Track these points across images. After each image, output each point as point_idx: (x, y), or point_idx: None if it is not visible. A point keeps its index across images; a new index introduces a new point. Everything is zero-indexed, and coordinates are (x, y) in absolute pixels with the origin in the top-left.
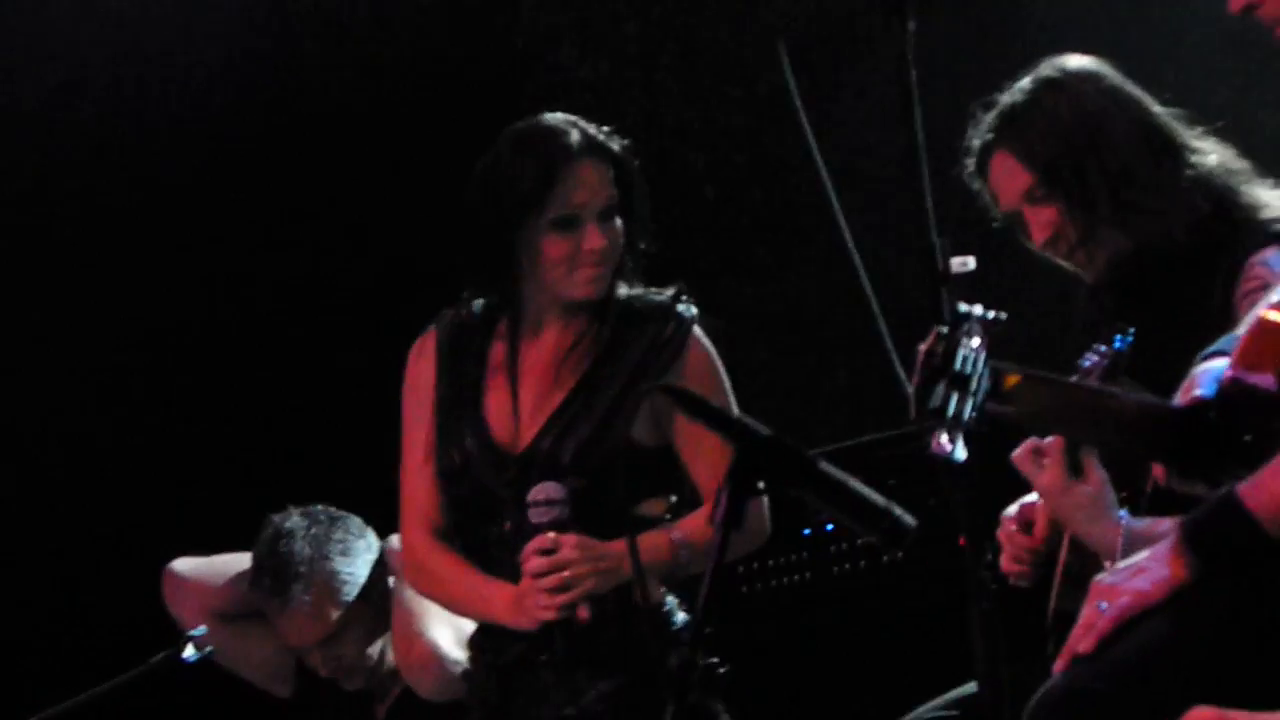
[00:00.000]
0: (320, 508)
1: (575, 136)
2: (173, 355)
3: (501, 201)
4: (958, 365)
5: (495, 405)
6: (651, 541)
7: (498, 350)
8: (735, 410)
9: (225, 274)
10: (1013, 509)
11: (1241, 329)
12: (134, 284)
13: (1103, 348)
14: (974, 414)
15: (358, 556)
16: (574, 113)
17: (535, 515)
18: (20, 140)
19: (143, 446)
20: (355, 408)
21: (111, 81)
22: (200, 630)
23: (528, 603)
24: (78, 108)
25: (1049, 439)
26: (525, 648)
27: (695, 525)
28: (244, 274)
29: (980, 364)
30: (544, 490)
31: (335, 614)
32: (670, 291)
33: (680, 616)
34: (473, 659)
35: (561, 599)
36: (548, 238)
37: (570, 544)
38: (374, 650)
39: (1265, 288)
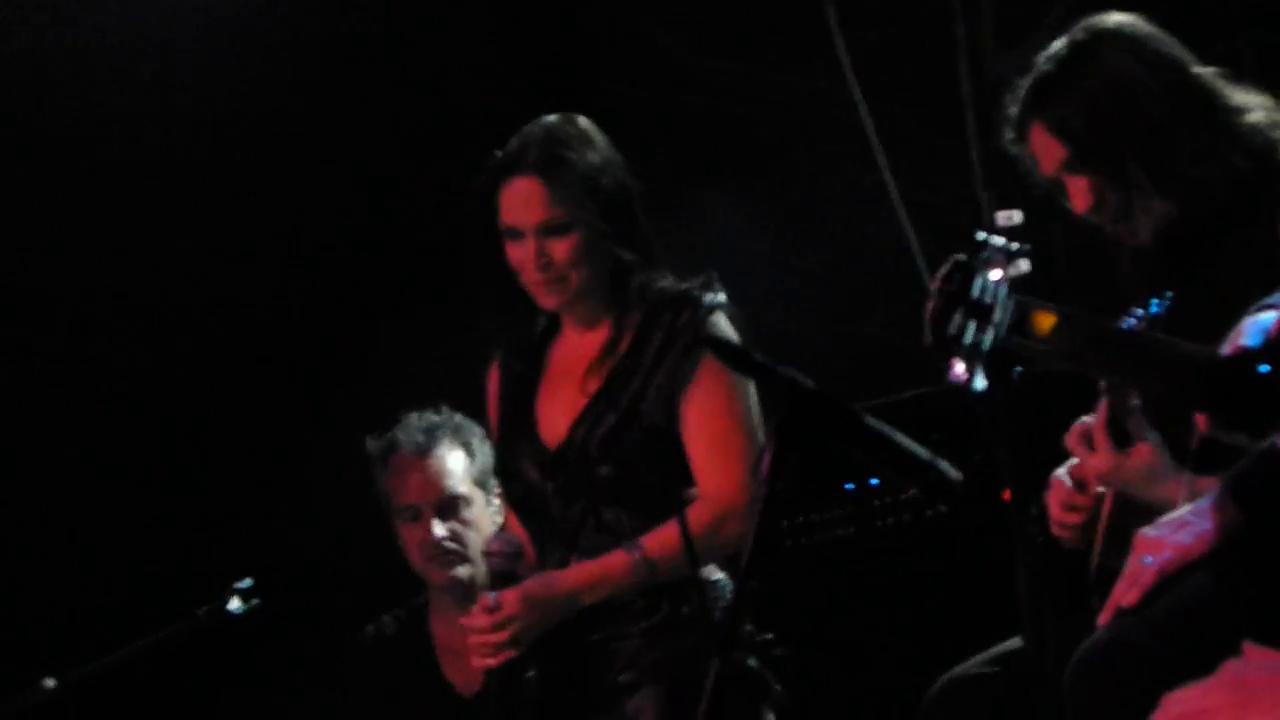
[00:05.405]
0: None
1: (518, 152)
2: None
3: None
4: (975, 294)
5: (542, 409)
6: (609, 563)
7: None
8: (753, 405)
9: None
10: (1062, 470)
11: None
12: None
13: (1140, 311)
14: (994, 345)
15: (490, 452)
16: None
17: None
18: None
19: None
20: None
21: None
22: (246, 583)
23: (472, 657)
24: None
25: (1093, 419)
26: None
27: (657, 540)
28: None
29: (1001, 295)
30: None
31: (463, 481)
32: (698, 279)
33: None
34: None
35: (505, 656)
36: (507, 243)
37: (511, 600)
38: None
39: None
